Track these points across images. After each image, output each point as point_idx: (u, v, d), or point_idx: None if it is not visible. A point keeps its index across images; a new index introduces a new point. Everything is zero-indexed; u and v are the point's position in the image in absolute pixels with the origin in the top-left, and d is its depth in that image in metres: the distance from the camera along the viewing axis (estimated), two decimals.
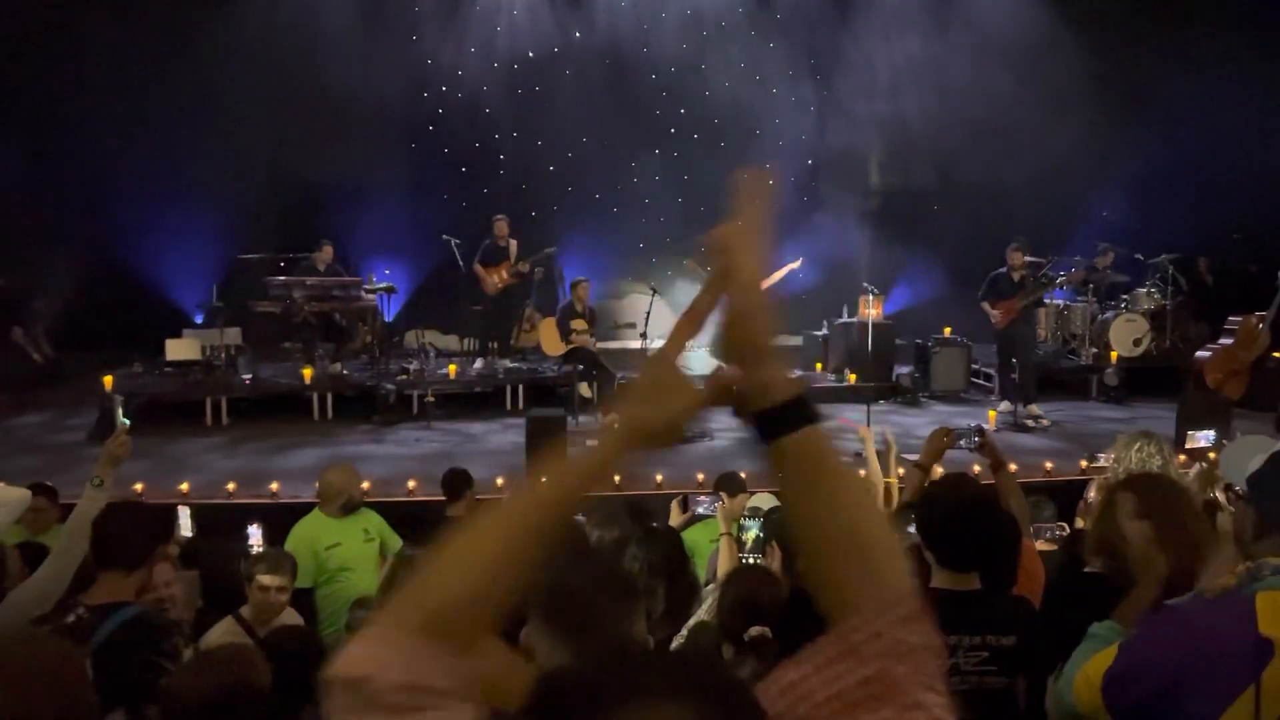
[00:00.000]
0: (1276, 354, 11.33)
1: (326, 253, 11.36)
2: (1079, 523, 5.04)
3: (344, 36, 12.92)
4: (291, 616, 4.09)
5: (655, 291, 10.04)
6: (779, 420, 1.04)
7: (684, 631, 3.15)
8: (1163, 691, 1.82)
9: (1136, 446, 4.03)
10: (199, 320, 12.14)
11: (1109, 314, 12.10)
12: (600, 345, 10.86)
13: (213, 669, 2.42)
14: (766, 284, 1.07)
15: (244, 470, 8.33)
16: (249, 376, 10.59)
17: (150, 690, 2.62)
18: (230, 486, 7.55)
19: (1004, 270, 10.60)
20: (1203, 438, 6.06)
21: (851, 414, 9.25)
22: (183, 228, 12.21)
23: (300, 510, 5.81)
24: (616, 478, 1.08)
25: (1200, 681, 1.78)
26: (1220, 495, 4.26)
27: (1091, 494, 4.99)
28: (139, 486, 7.37)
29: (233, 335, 11.36)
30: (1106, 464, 4.31)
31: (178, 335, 11.30)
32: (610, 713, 0.84)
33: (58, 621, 2.82)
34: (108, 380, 9.71)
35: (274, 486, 7.51)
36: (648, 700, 0.84)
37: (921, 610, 0.98)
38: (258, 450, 9.12)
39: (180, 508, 6.24)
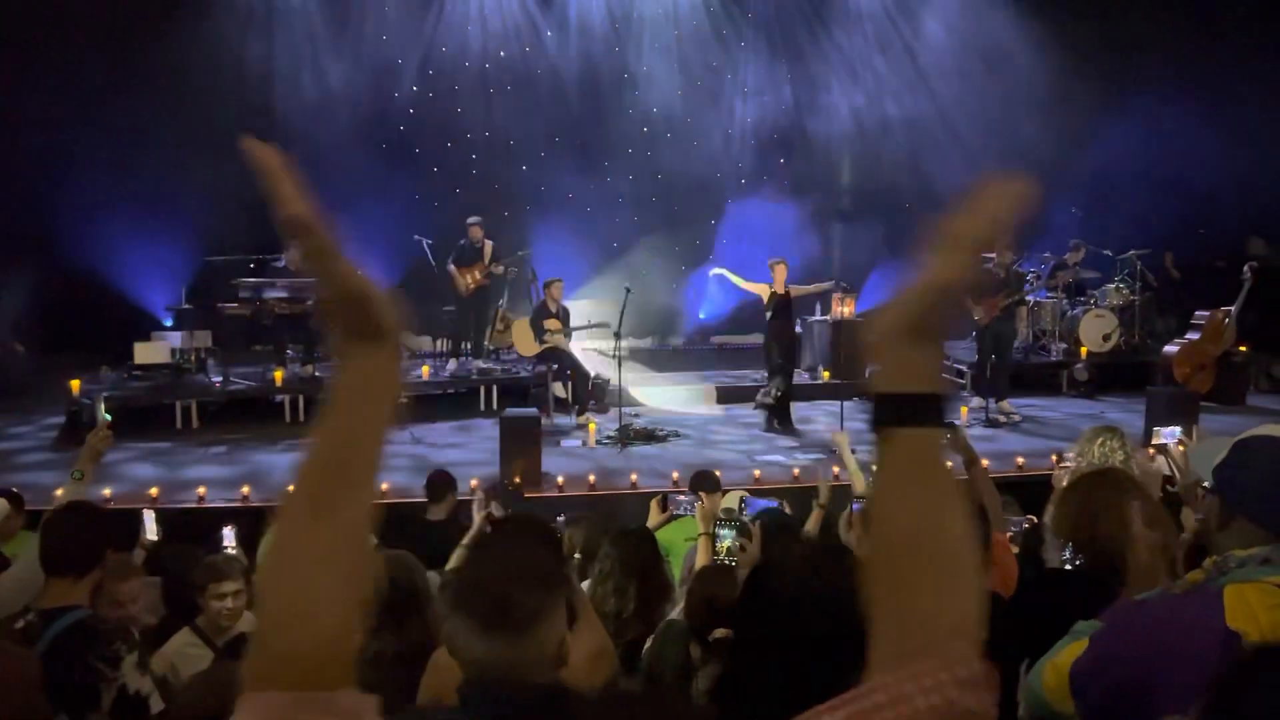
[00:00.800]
0: (1242, 348, 11.49)
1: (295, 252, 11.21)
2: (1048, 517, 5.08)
3: (313, 36, 12.84)
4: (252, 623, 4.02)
5: (629, 291, 10.02)
6: (907, 409, 0.95)
7: (658, 630, 3.15)
8: (1131, 685, 1.83)
9: (1100, 441, 4.08)
10: (168, 323, 11.99)
11: (1078, 310, 12.22)
12: (574, 345, 10.83)
13: (206, 694, 2.38)
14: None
15: (214, 474, 8.25)
16: (219, 379, 10.48)
17: (91, 696, 2.58)
18: (200, 491, 7.47)
19: (989, 266, 10.62)
20: (1168, 434, 6.13)
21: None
22: (149, 230, 12.04)
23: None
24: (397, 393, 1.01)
25: (1169, 675, 1.79)
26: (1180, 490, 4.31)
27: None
28: (107, 491, 7.29)
29: (202, 338, 11.23)
30: (1071, 458, 4.36)
31: (146, 339, 11.16)
32: None
33: (9, 626, 2.79)
34: (74, 384, 9.58)
35: (245, 490, 7.44)
36: None
37: (985, 674, 0.89)
38: (229, 454, 9.04)
39: (145, 512, 6.16)
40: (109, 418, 4.25)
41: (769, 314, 10.08)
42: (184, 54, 12.06)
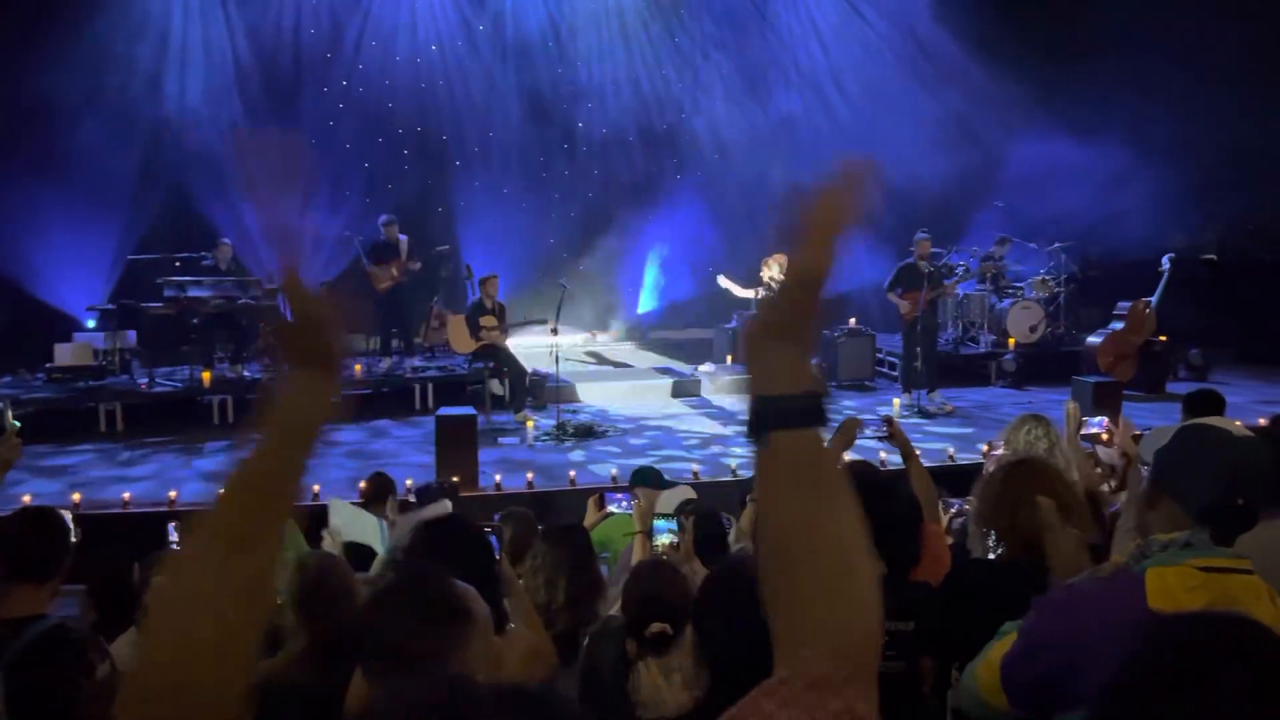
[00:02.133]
0: (1162, 337, 11.85)
1: (225, 251, 11.04)
2: None
3: (238, 28, 12.56)
4: None
5: (565, 287, 9.99)
6: (782, 411, 0.94)
7: (594, 626, 3.14)
8: (1058, 668, 1.87)
9: (1026, 429, 4.17)
10: (90, 324, 11.65)
11: (1006, 302, 12.48)
12: (510, 341, 10.77)
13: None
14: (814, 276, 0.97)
15: (140, 479, 8.05)
16: (144, 381, 10.22)
17: (66, 708, 2.49)
18: (125, 496, 7.27)
19: (911, 260, 10.79)
20: (1095, 423, 6.32)
21: None
22: (68, 228, 11.71)
23: None
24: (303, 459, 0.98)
25: (1093, 656, 1.83)
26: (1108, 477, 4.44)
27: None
28: (27, 498, 7.04)
29: (126, 339, 10.94)
30: (999, 447, 4.46)
31: (67, 340, 10.83)
32: None
33: None
34: None
35: (172, 495, 7.25)
36: None
37: (840, 673, 0.89)
38: (155, 457, 8.81)
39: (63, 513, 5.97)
40: (18, 425, 4.10)
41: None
42: (102, 49, 11.76)
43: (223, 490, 0.95)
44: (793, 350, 0.94)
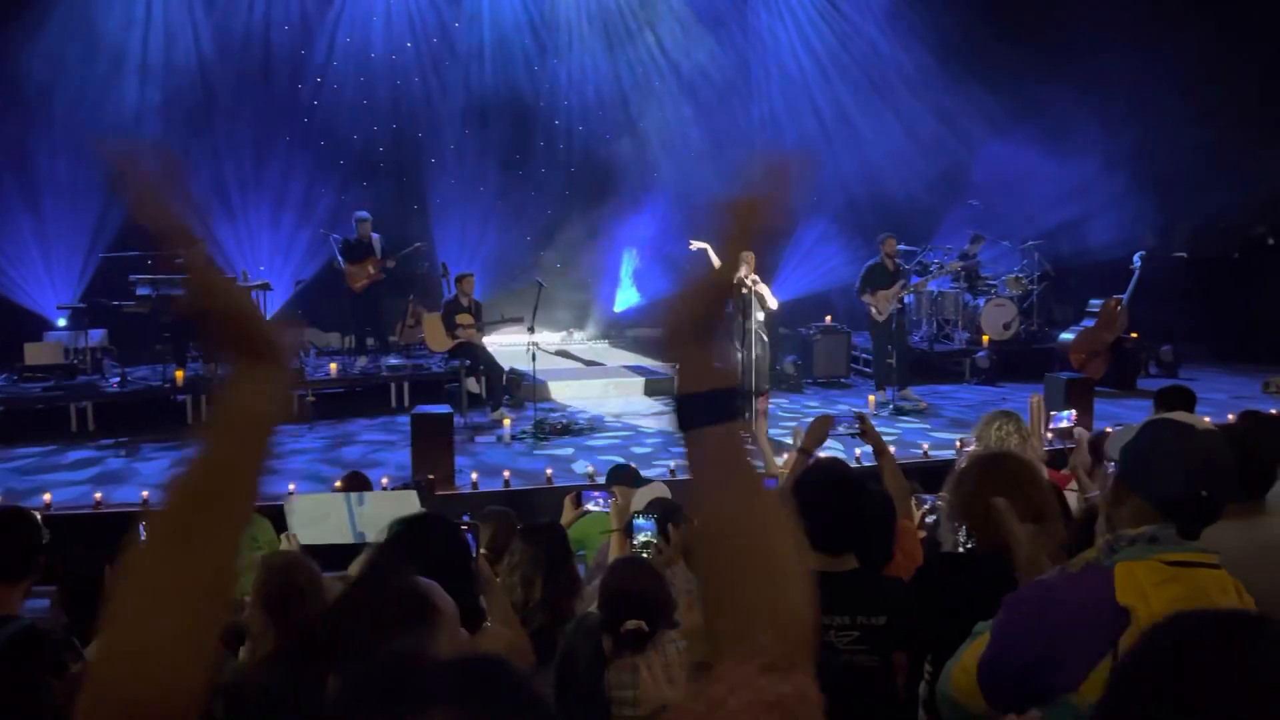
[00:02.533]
0: (1134, 334, 11.98)
1: (200, 249, 10.93)
2: None
3: (212, 25, 12.45)
4: None
5: (542, 285, 9.98)
6: (703, 408, 0.97)
7: (573, 622, 3.16)
8: (1031, 664, 1.89)
9: (996, 425, 4.22)
10: (61, 323, 11.53)
11: (980, 299, 12.58)
12: (487, 339, 10.75)
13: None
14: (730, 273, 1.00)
15: (112, 479, 7.98)
16: (117, 380, 10.12)
17: (39, 707, 2.47)
18: (97, 496, 7.20)
19: (878, 261, 10.87)
20: (1062, 417, 6.44)
21: None
22: (39, 226, 11.61)
23: None
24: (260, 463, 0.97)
25: (1064, 651, 1.86)
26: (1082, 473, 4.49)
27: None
28: None
29: (98, 338, 10.83)
30: (971, 443, 4.51)
31: (37, 339, 10.72)
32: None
33: None
34: None
35: (144, 495, 7.19)
36: (426, 707, 0.79)
37: (788, 657, 0.91)
38: (128, 457, 8.73)
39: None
40: None
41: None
42: (69, 43, 11.64)
43: (170, 489, 0.94)
44: (708, 348, 0.97)
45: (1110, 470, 2.28)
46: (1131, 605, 1.83)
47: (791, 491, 2.94)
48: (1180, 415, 2.12)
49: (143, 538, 0.92)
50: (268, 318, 0.97)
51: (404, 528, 2.61)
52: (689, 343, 0.97)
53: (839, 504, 2.78)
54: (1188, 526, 1.95)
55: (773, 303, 8.95)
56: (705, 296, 0.96)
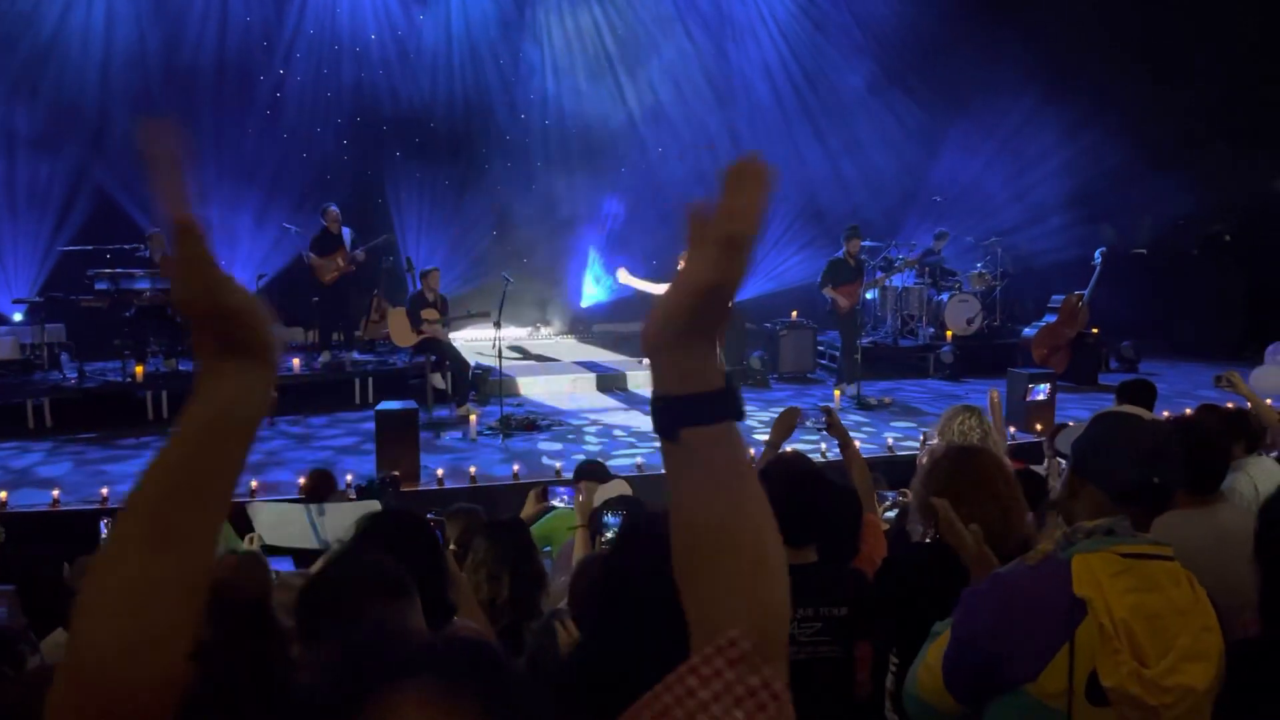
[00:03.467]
0: (1094, 330, 12.14)
1: (159, 241, 10.82)
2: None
3: (173, 16, 12.28)
4: None
5: (509, 281, 9.93)
6: (692, 410, 0.92)
7: (542, 619, 3.15)
8: (991, 656, 1.92)
9: (959, 420, 4.26)
10: (16, 317, 11.33)
11: (944, 295, 12.69)
12: (452, 334, 10.69)
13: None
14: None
15: (70, 476, 7.85)
16: (74, 376, 9.95)
17: None
18: (55, 494, 7.08)
19: (840, 256, 10.93)
20: (1040, 390, 6.73)
21: None
22: None
23: None
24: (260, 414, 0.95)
25: (1022, 642, 1.89)
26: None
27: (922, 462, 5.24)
28: None
29: (54, 332, 10.65)
30: (934, 437, 4.56)
31: None
32: (368, 693, 0.79)
33: None
34: None
35: (104, 492, 7.08)
36: (405, 678, 0.79)
37: (758, 650, 0.91)
38: (86, 454, 8.59)
39: None
40: None
41: None
42: (23, 35, 11.46)
43: (146, 484, 0.92)
44: (701, 347, 0.92)
45: (1063, 466, 2.32)
46: (1088, 597, 1.86)
47: None
48: (1126, 408, 2.18)
49: (115, 532, 0.91)
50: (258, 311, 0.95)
51: (373, 522, 2.60)
52: (676, 344, 0.92)
53: (801, 497, 2.80)
54: (1141, 515, 1.99)
55: None
56: (694, 298, 0.90)
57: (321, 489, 5.90)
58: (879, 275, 11.13)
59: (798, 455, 2.99)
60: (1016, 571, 2.01)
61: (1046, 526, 3.03)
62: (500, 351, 9.84)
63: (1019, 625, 1.90)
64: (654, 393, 0.95)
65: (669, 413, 0.93)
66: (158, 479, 0.92)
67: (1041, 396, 6.95)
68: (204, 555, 0.92)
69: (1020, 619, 1.90)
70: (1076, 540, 1.96)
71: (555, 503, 4.88)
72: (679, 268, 0.93)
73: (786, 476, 2.83)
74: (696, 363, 0.93)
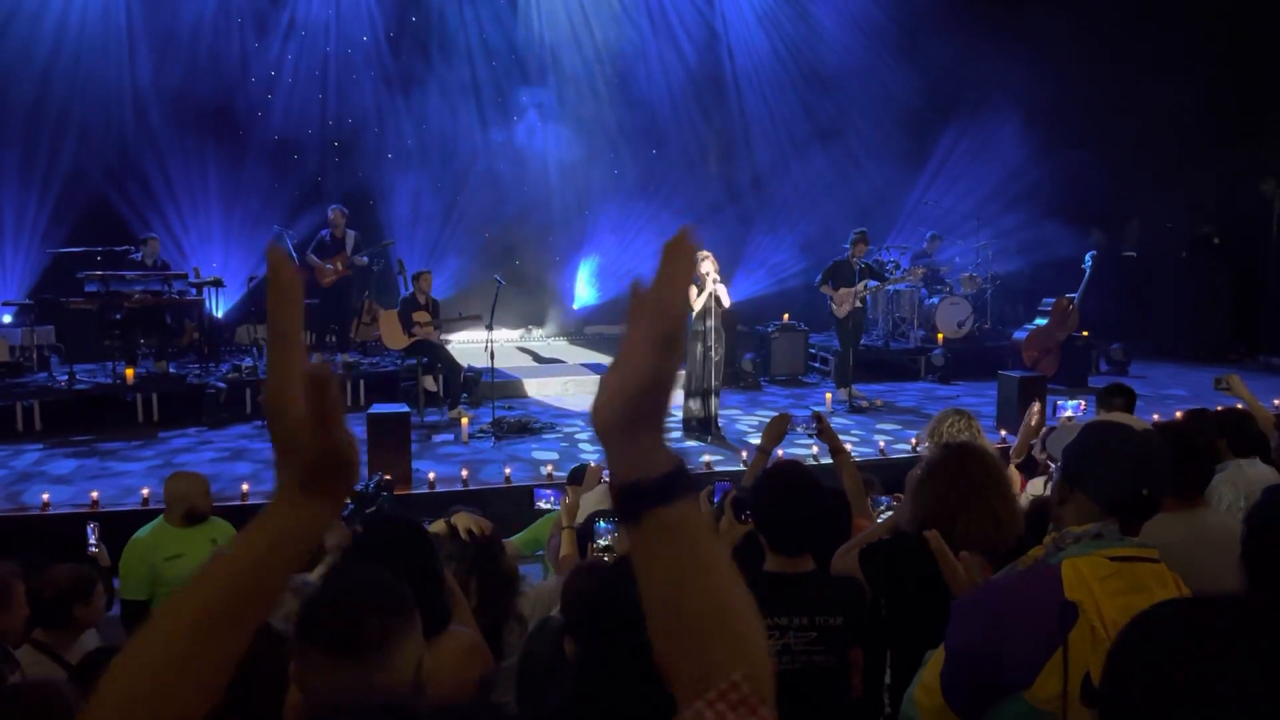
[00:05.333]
0: (1085, 332, 12.19)
1: (153, 246, 10.84)
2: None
3: (163, 21, 12.25)
4: (94, 639, 3.85)
5: (501, 283, 9.93)
6: (648, 495, 0.94)
7: (529, 628, 3.15)
8: (988, 664, 1.93)
9: (949, 423, 4.28)
10: (5, 319, 11.29)
11: (935, 298, 12.72)
12: (444, 337, 10.69)
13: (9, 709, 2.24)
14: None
15: (60, 479, 7.82)
16: (64, 378, 9.91)
17: None
18: (44, 498, 7.05)
19: (844, 258, 10.85)
20: (1067, 407, 6.81)
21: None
22: None
23: (125, 519, 5.47)
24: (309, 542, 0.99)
25: (1015, 647, 1.90)
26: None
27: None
28: None
29: (44, 334, 10.62)
30: (925, 441, 4.57)
31: None
32: None
33: None
34: None
35: (94, 495, 7.05)
36: None
37: (757, 695, 0.92)
38: (76, 457, 8.55)
39: None
40: None
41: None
42: (22, 41, 11.45)
43: (192, 584, 0.96)
44: (647, 434, 0.94)
45: (1054, 469, 2.34)
46: (1079, 600, 1.88)
47: (750, 494, 2.97)
48: (1119, 416, 2.20)
49: (153, 630, 0.95)
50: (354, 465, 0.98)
51: (368, 530, 2.59)
52: (627, 433, 0.94)
53: (798, 507, 2.81)
54: (1130, 522, 2.02)
55: (726, 301, 8.99)
56: (634, 392, 0.92)
57: None
58: (873, 285, 11.09)
59: (793, 464, 3.00)
60: (1007, 577, 2.03)
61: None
62: (492, 354, 9.82)
63: (1012, 631, 1.92)
64: (611, 482, 0.98)
65: (628, 498, 0.95)
66: (212, 577, 0.96)
67: (1069, 414, 6.95)
68: (235, 656, 0.96)
69: (1013, 625, 1.92)
70: (1066, 545, 1.99)
71: (543, 505, 4.87)
72: (620, 341, 0.95)
73: (783, 486, 2.84)
74: (645, 449, 0.95)
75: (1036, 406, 5.25)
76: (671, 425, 9.46)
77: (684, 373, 9.40)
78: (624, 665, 2.03)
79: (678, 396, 9.28)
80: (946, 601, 2.46)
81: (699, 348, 9.02)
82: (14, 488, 7.58)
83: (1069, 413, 7.25)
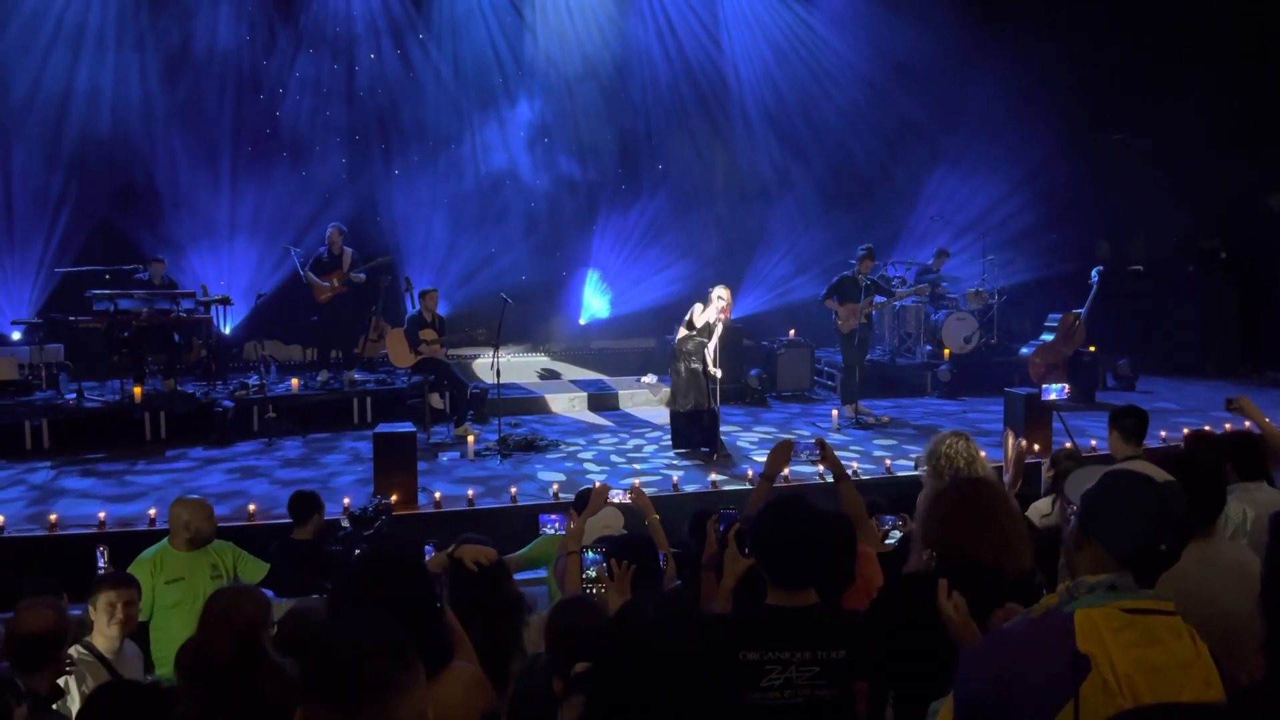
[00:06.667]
0: (1091, 348, 12.16)
1: (159, 267, 10.91)
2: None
3: (173, 39, 12.32)
4: (98, 673, 3.87)
5: (507, 301, 9.93)
6: None
7: (527, 662, 3.15)
8: (997, 713, 1.91)
9: (946, 444, 4.26)
10: (14, 337, 11.34)
11: (941, 313, 12.69)
12: (451, 354, 10.70)
13: None
14: None
15: (69, 497, 7.83)
16: (73, 396, 9.94)
17: None
18: (52, 518, 7.06)
19: (850, 274, 10.81)
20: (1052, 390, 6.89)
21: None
22: None
23: (132, 539, 5.47)
24: None
25: (1025, 698, 1.88)
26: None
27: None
28: None
29: (53, 353, 10.65)
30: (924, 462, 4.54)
31: None
32: None
33: None
34: None
35: (101, 516, 7.06)
36: None
37: None
38: (84, 475, 8.56)
39: None
40: None
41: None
42: (21, 52, 11.52)
43: None
44: None
45: (1071, 513, 2.31)
46: (1091, 652, 1.86)
47: (750, 528, 2.96)
48: (1140, 465, 2.15)
49: None
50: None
51: (366, 568, 2.58)
52: None
53: (800, 542, 2.80)
54: (1145, 575, 2.00)
55: (715, 368, 9.16)
56: None
57: (305, 510, 5.87)
58: (880, 300, 11.06)
59: (795, 496, 2.98)
60: (1019, 626, 2.01)
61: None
62: (499, 371, 9.84)
63: (1023, 682, 1.90)
64: None
65: None
66: None
67: (1054, 396, 7.16)
68: None
69: (1023, 675, 1.90)
70: (1079, 595, 1.97)
71: (547, 530, 4.86)
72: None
73: (784, 522, 2.83)
74: None
75: (1021, 442, 5.26)
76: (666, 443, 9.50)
77: (671, 389, 9.46)
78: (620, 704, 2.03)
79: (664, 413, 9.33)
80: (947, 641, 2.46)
81: (684, 366, 9.12)
82: (23, 507, 7.59)
83: (1053, 395, 7.39)
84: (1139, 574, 1.99)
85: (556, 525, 4.63)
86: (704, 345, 9.14)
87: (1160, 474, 2.07)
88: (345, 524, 6.26)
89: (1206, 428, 8.22)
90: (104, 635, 3.97)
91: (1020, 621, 2.03)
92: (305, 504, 5.90)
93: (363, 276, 11.39)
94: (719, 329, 9.21)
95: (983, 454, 4.36)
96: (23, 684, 3.09)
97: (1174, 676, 1.88)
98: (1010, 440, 5.26)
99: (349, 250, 11.42)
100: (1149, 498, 2.03)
